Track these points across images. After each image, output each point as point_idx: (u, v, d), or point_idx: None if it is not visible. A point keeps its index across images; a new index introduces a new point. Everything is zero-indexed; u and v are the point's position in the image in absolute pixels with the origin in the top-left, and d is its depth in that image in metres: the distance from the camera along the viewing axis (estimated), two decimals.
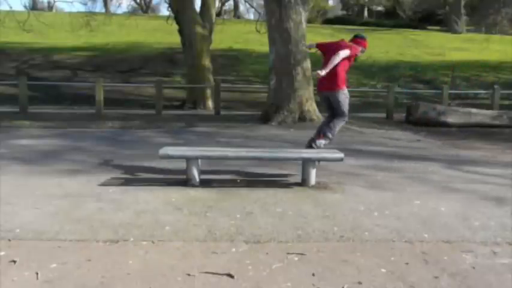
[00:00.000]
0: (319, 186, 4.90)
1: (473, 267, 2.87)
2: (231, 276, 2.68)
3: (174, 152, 4.91)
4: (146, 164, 5.96)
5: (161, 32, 23.02)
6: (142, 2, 46.58)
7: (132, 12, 40.68)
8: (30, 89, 14.03)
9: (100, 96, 12.66)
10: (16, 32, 18.55)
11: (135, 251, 3.04)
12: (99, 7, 40.65)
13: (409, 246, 3.22)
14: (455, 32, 31.43)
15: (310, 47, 6.22)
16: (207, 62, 15.54)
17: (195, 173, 4.84)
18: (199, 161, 4.93)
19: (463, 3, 32.09)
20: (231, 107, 14.60)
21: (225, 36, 21.88)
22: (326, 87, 5.52)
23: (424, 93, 16.92)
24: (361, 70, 19.50)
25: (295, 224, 3.62)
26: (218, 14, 25.73)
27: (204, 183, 4.88)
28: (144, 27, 26.19)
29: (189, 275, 2.69)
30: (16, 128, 9.59)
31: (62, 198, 4.25)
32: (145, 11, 44.48)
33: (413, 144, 8.56)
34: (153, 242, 3.19)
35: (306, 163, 4.92)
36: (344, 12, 45.26)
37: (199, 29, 15.24)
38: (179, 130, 9.77)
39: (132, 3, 47.58)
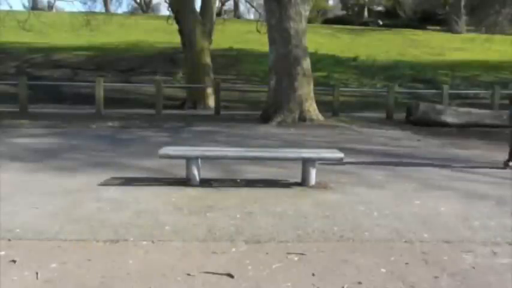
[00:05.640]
0: (319, 186, 4.90)
1: (473, 267, 2.87)
2: (231, 276, 2.67)
3: (174, 152, 4.91)
4: (146, 163, 5.95)
5: (161, 32, 22.99)
6: (143, 1, 46.53)
7: (132, 12, 40.69)
8: (31, 89, 14.02)
9: (100, 95, 12.65)
10: (16, 31, 18.54)
11: (135, 251, 3.04)
12: (99, 7, 40.63)
13: (409, 246, 3.22)
14: (455, 32, 31.40)
15: None
16: (207, 61, 15.54)
17: (195, 172, 4.84)
18: (199, 160, 4.93)
19: (463, 3, 32.05)
20: (231, 107, 14.59)
21: (225, 36, 21.85)
22: None
23: (424, 93, 16.91)
24: (361, 70, 19.49)
25: (295, 224, 3.62)
26: (218, 14, 25.69)
27: (204, 183, 4.88)
28: (144, 27, 26.18)
29: (189, 274, 2.69)
30: (16, 128, 9.59)
31: (61, 198, 4.25)
32: (145, 11, 44.44)
33: (414, 143, 8.55)
34: (153, 242, 3.19)
35: (306, 163, 4.92)
36: (344, 12, 45.20)
37: (199, 29, 15.24)
38: (179, 129, 9.77)
39: (132, 3, 47.55)
